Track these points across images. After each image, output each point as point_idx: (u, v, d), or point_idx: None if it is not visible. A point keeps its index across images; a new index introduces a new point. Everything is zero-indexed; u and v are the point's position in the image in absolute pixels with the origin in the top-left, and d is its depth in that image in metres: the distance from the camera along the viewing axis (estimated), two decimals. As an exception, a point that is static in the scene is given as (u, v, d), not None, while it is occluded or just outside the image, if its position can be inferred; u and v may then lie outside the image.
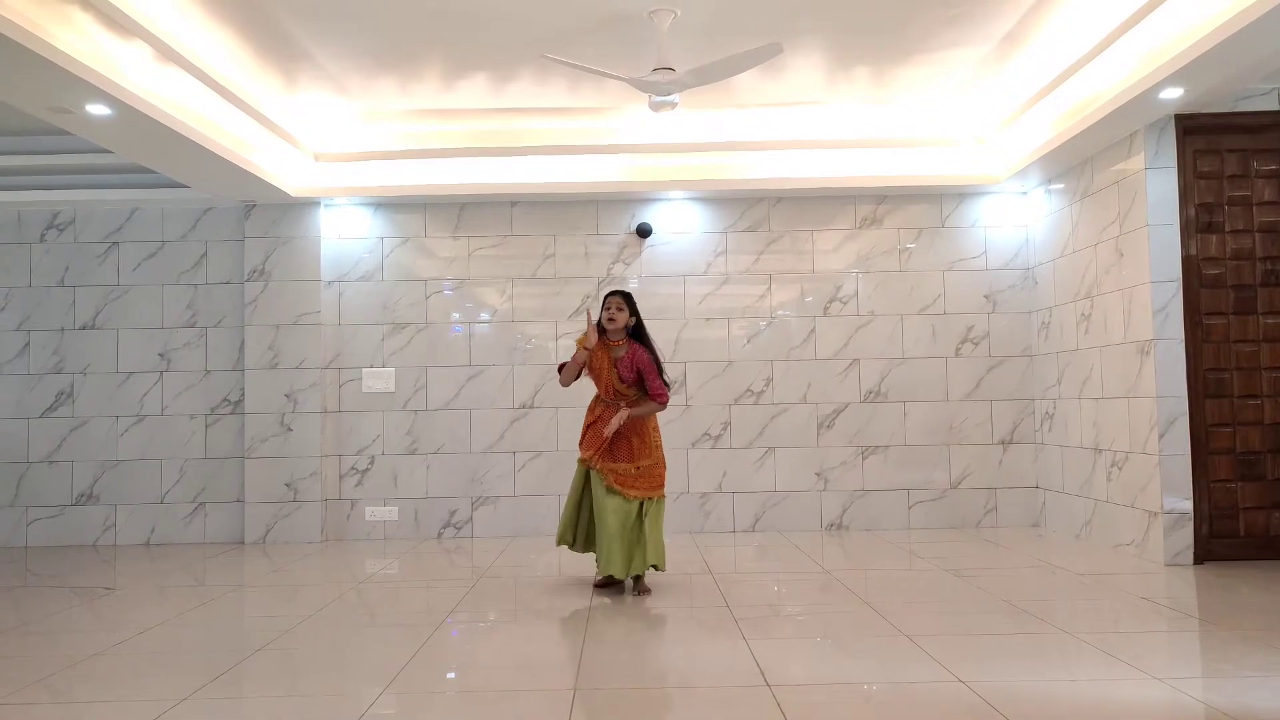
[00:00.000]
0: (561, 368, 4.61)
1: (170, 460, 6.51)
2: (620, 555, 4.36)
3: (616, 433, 4.43)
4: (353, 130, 6.25)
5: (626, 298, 4.53)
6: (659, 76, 4.46)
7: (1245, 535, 4.97)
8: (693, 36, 4.77)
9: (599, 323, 4.52)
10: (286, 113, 5.90)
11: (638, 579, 4.50)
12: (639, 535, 4.41)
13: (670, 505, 6.32)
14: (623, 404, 4.46)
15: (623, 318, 4.47)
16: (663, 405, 4.50)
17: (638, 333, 4.57)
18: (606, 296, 4.54)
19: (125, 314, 6.58)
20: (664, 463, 4.56)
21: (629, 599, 4.38)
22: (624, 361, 4.46)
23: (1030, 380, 6.50)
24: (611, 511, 4.37)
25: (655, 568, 4.45)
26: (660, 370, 4.49)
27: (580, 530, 4.63)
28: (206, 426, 6.53)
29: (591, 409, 4.60)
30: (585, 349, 4.46)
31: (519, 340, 6.56)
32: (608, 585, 4.58)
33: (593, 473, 4.50)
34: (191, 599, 4.62)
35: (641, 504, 4.44)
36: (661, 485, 4.51)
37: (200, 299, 6.59)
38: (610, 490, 4.41)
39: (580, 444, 4.59)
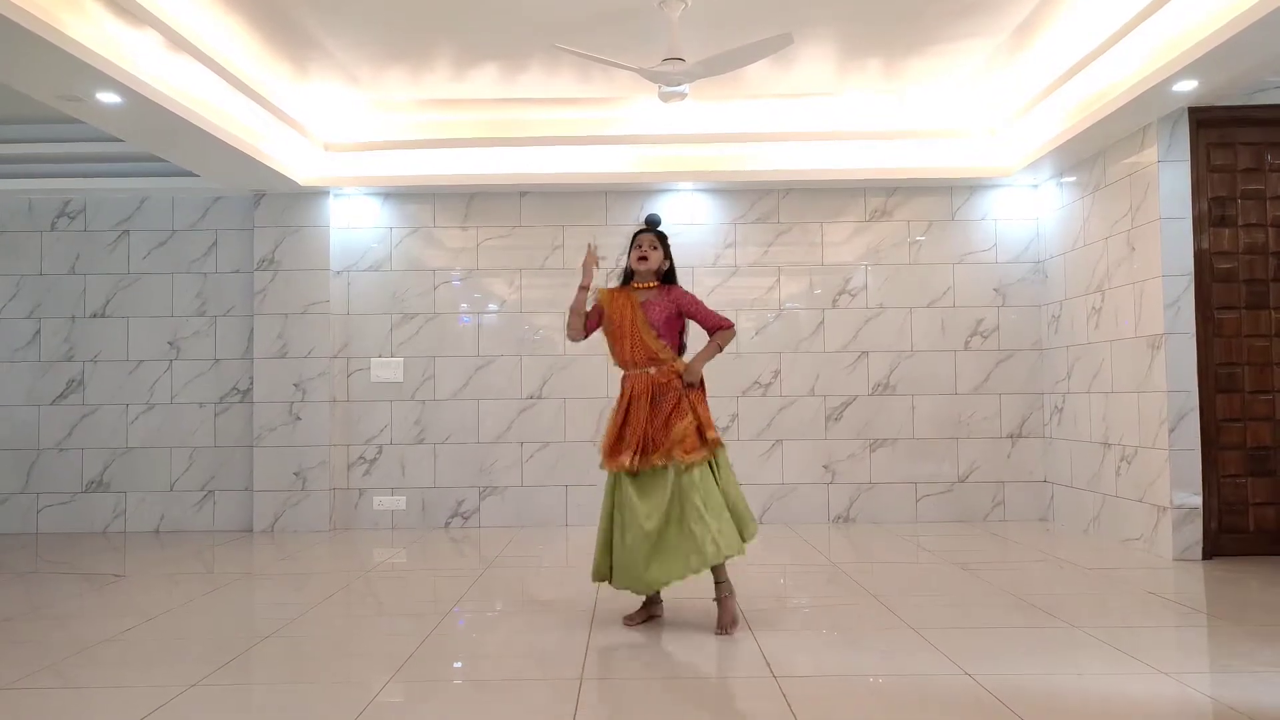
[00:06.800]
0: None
1: (180, 448, 6.54)
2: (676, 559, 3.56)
3: (643, 413, 3.59)
4: (362, 120, 6.24)
5: (661, 236, 3.74)
6: (669, 67, 4.44)
7: (1255, 531, 4.95)
8: (703, 27, 4.75)
9: (627, 266, 3.79)
10: (296, 102, 5.90)
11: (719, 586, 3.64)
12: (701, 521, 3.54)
13: (677, 497, 6.31)
14: (653, 368, 3.62)
15: (656, 257, 3.69)
16: (732, 329, 3.77)
17: (670, 279, 3.80)
18: (637, 234, 3.74)
19: (135, 302, 6.60)
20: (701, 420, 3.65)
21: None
22: (654, 305, 3.64)
23: (1039, 374, 6.47)
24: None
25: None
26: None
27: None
28: (216, 415, 6.56)
29: (623, 392, 3.68)
30: (583, 288, 3.68)
31: (527, 331, 6.56)
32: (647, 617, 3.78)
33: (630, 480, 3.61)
34: (200, 586, 4.64)
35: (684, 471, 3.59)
36: (698, 447, 3.62)
37: (210, 288, 6.61)
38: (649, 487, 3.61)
39: (609, 449, 3.65)
